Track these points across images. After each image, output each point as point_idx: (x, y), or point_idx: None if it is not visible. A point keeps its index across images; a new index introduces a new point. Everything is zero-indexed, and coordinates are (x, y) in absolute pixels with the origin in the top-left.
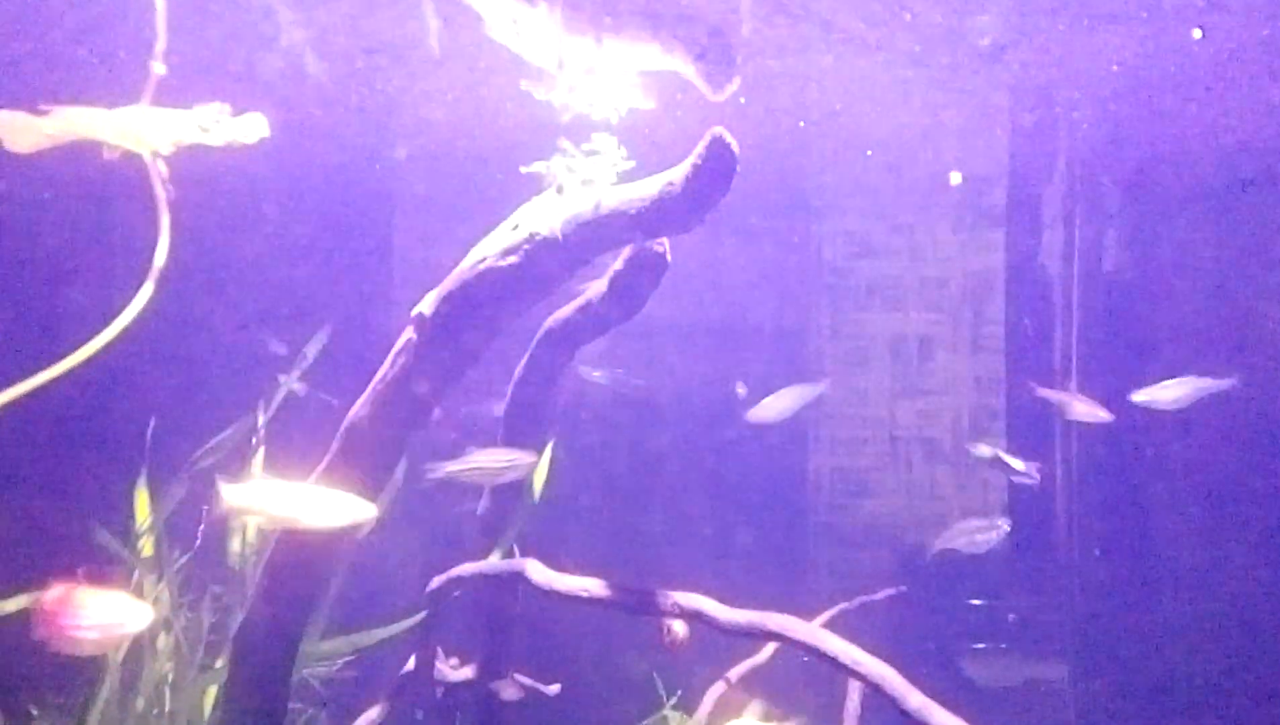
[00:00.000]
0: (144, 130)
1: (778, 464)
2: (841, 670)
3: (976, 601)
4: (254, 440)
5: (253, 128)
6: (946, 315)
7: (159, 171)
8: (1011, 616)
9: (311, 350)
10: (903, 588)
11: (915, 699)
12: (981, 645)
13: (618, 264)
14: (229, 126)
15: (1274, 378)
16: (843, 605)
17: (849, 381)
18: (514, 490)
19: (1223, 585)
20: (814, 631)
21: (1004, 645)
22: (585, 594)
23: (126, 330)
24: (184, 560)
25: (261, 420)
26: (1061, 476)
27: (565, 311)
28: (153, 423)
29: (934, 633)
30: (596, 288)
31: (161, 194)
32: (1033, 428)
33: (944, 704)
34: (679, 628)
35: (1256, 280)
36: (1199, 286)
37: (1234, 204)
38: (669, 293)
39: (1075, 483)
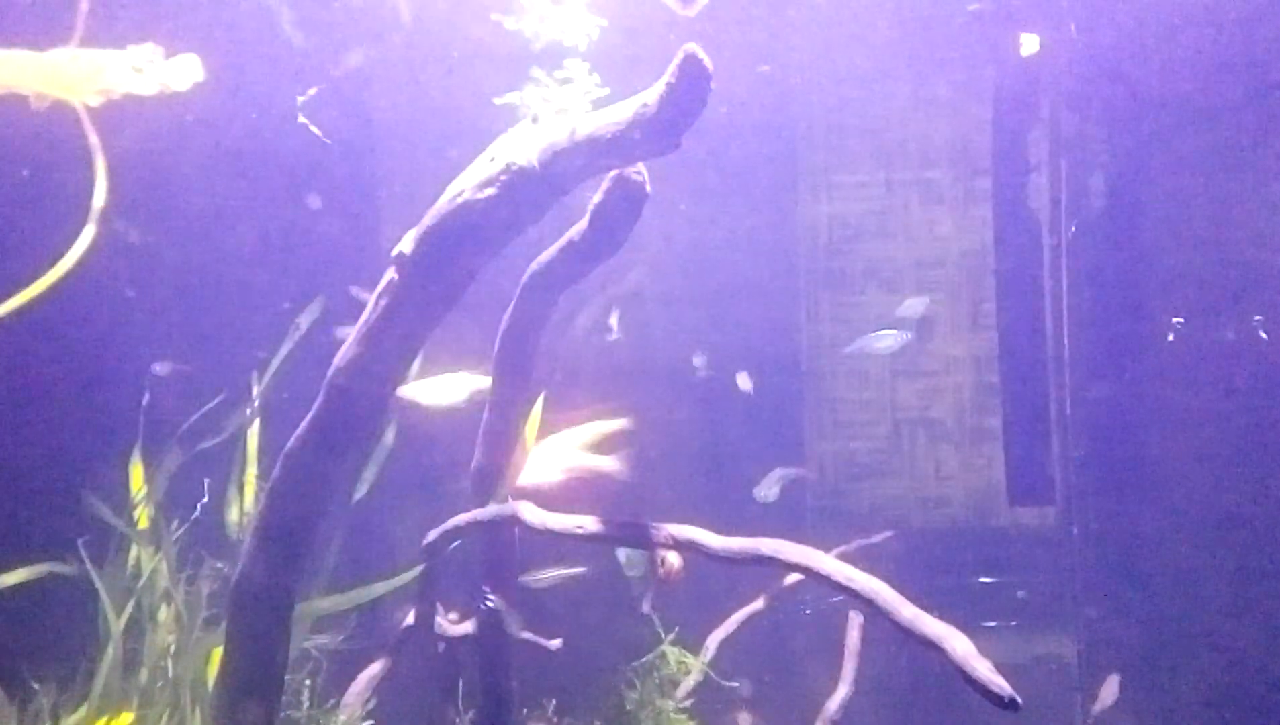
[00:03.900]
0: (77, 75)
1: (776, 450)
2: (835, 588)
3: (986, 579)
4: (249, 410)
5: (186, 72)
6: (944, 295)
7: (87, 119)
8: (1021, 593)
9: (305, 320)
10: (890, 532)
11: (907, 611)
12: (993, 623)
13: (597, 196)
14: (162, 70)
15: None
16: (841, 548)
17: (849, 365)
18: (507, 442)
19: (1230, 557)
20: (807, 553)
21: (1014, 623)
22: (580, 531)
23: (71, 272)
24: (181, 531)
25: (256, 389)
26: (1059, 449)
27: (548, 254)
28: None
29: (942, 612)
30: (578, 228)
31: (94, 140)
32: (1029, 405)
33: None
34: (673, 559)
35: (1257, 224)
36: (1194, 233)
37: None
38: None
39: (1075, 456)
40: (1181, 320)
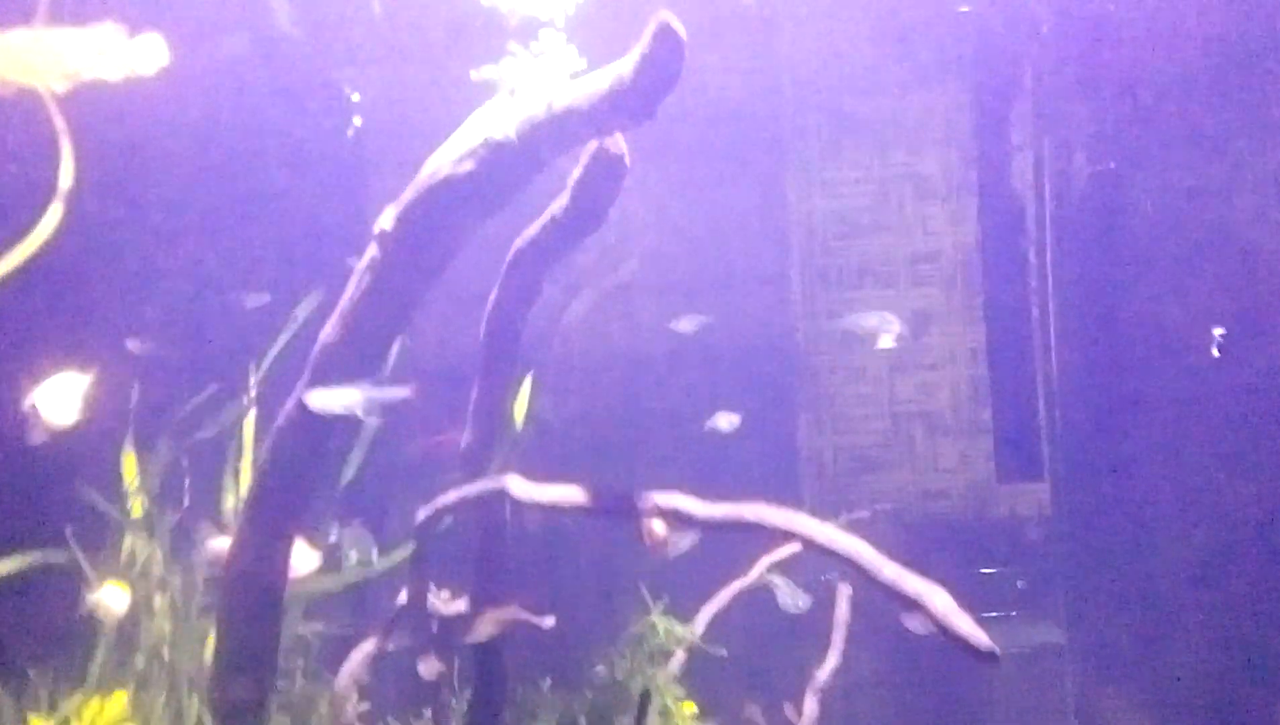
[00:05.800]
0: (42, 56)
1: (772, 449)
2: (817, 550)
3: (987, 570)
4: (246, 399)
5: (151, 53)
6: (938, 289)
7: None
8: (1020, 583)
9: (303, 311)
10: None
11: (889, 570)
12: (993, 614)
13: (577, 171)
14: (126, 51)
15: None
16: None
17: (847, 363)
18: (495, 422)
19: (1217, 551)
20: (789, 516)
21: (1013, 613)
22: (566, 502)
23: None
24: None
25: (253, 379)
26: (1047, 440)
27: (530, 231)
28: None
29: None
30: (559, 203)
31: (60, 124)
32: (1017, 397)
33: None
34: (659, 527)
35: (1245, 205)
36: (1182, 214)
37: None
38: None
39: (1060, 448)
40: (1224, 331)
